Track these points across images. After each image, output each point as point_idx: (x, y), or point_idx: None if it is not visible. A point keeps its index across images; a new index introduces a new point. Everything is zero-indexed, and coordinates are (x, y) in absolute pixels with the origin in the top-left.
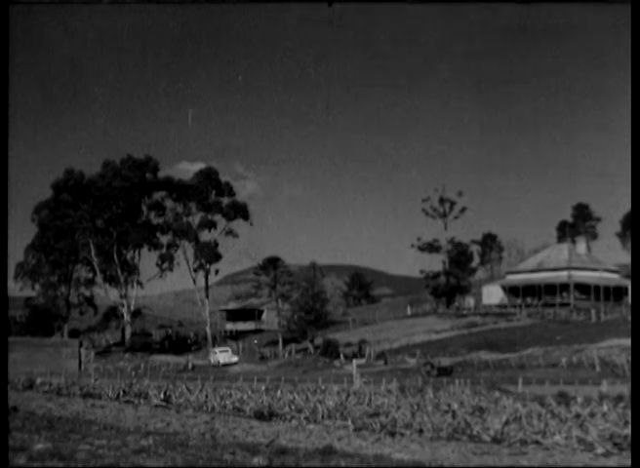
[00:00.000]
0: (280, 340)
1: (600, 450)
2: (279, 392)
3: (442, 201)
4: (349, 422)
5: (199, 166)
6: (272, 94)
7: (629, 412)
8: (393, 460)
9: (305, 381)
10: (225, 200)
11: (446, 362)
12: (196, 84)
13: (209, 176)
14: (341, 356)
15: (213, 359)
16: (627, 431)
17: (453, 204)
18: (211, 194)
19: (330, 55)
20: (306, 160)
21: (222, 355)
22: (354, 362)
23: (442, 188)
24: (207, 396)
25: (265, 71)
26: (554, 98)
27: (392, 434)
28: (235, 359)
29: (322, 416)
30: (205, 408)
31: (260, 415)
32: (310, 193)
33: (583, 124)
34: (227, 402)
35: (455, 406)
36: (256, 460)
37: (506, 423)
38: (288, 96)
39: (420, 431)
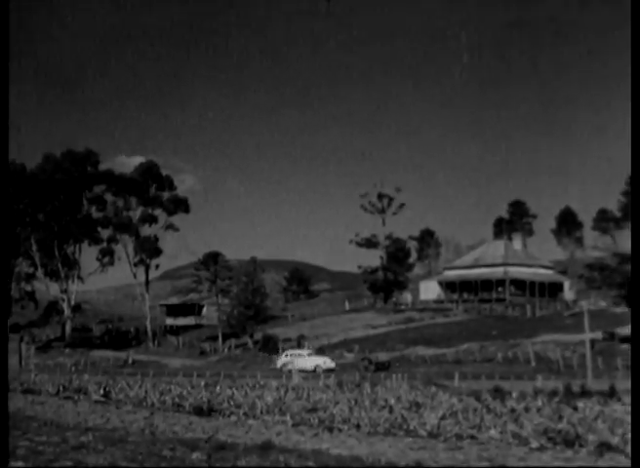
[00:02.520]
0: (220, 335)
1: (534, 445)
2: (218, 387)
3: (380, 197)
4: (288, 418)
5: (137, 159)
6: (212, 89)
7: (563, 407)
8: (331, 455)
9: (245, 377)
10: (166, 194)
11: (383, 357)
12: (136, 77)
13: (149, 170)
14: (280, 351)
15: (296, 364)
16: (561, 426)
17: (391, 200)
18: (151, 188)
19: (276, 51)
20: (245, 154)
21: (323, 359)
22: None
23: (380, 184)
24: (146, 391)
25: (207, 65)
26: (495, 97)
27: (330, 429)
28: (334, 364)
29: (261, 412)
30: (144, 403)
31: (199, 411)
32: (250, 188)
33: (521, 121)
34: (167, 397)
35: (392, 401)
36: (195, 456)
37: (442, 418)
38: (227, 91)
39: (358, 426)
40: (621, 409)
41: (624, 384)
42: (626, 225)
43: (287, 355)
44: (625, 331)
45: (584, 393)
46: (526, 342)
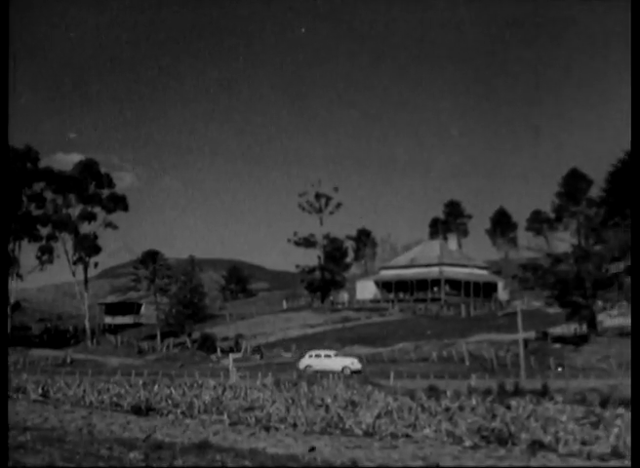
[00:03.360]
0: (158, 334)
1: (468, 443)
2: (156, 387)
3: (318, 196)
4: (225, 417)
5: (75, 157)
6: (150, 86)
7: (497, 406)
8: (268, 455)
9: (182, 375)
10: (105, 192)
11: None
12: (75, 74)
13: (88, 168)
14: (218, 350)
15: (321, 365)
16: (495, 424)
17: (329, 199)
18: (90, 186)
19: (214, 51)
20: (183, 152)
21: (350, 360)
22: (231, 356)
23: (318, 183)
24: (85, 391)
25: (146, 64)
26: (427, 97)
27: (267, 428)
28: (361, 365)
29: (198, 411)
30: (83, 402)
31: (137, 410)
32: (188, 186)
33: (458, 122)
34: (105, 396)
35: (328, 400)
36: (132, 455)
37: (378, 417)
38: (164, 90)
39: (295, 425)
40: (554, 408)
41: (557, 383)
42: (559, 226)
43: (311, 355)
44: (558, 330)
45: (518, 392)
46: (460, 342)
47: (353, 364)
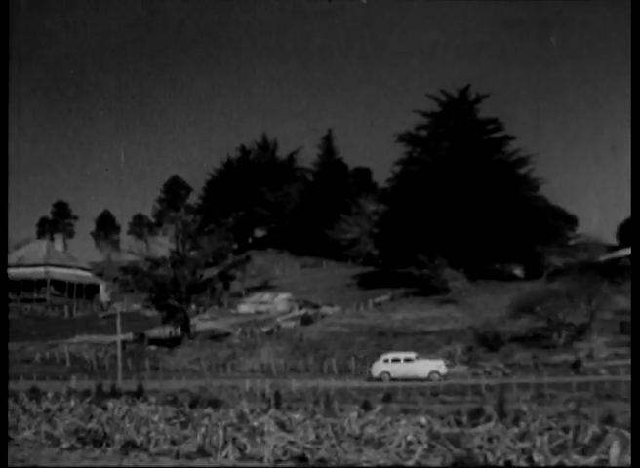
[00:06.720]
0: None
1: (66, 445)
2: None
3: None
4: None
5: None
6: None
7: (94, 407)
8: None
9: None
10: None
11: None
12: None
13: None
14: None
15: (402, 370)
16: (91, 425)
17: None
18: None
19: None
20: None
21: (437, 363)
22: None
23: None
24: None
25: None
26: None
27: None
28: (447, 370)
29: None
30: None
31: None
32: None
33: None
34: None
35: None
36: None
37: None
38: None
39: None
40: (147, 409)
41: (152, 384)
42: (159, 231)
43: (386, 360)
44: (154, 333)
45: (115, 393)
46: (63, 343)
47: (441, 367)
